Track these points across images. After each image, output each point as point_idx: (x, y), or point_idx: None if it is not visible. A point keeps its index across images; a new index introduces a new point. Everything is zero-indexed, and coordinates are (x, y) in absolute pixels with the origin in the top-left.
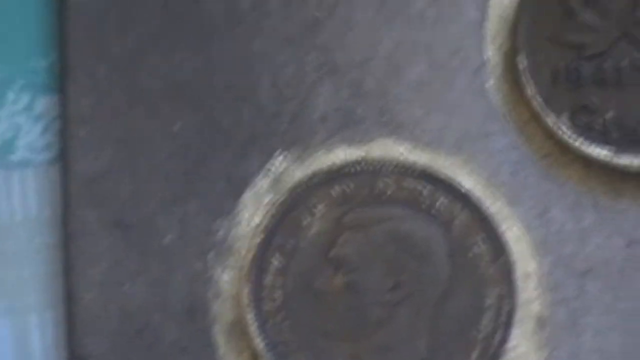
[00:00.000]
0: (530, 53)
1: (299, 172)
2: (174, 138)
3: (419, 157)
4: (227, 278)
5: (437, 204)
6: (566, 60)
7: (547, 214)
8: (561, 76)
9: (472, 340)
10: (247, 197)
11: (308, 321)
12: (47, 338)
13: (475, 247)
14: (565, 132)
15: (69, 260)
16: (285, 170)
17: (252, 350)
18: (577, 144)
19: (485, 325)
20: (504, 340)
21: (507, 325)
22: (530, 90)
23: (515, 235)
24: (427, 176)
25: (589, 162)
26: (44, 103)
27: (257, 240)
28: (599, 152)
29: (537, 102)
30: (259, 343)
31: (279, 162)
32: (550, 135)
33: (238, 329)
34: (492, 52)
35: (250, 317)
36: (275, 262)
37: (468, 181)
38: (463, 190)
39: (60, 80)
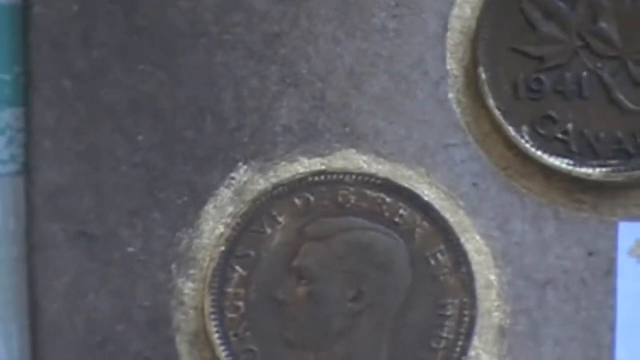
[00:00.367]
0: (490, 65)
1: (262, 184)
2: (137, 151)
3: (380, 168)
4: (190, 288)
5: (399, 214)
6: (527, 72)
7: (508, 225)
8: (522, 88)
9: (433, 350)
10: (210, 208)
11: (270, 331)
12: (12, 349)
13: (437, 257)
14: (525, 143)
15: (33, 272)
16: (248, 181)
17: (215, 359)
18: (537, 155)
19: (446, 335)
20: (464, 350)
21: (468, 335)
22: (490, 102)
23: (476, 246)
24: (389, 187)
25: (549, 173)
26: (8, 116)
27: (220, 250)
28: (560, 163)
29: (498, 114)
30: (222, 353)
31: (241, 174)
32: (511, 147)
33: (201, 338)
34: (453, 65)
35: (213, 327)
36: (238, 272)
37: (429, 192)
38: (424, 201)
39: (25, 94)
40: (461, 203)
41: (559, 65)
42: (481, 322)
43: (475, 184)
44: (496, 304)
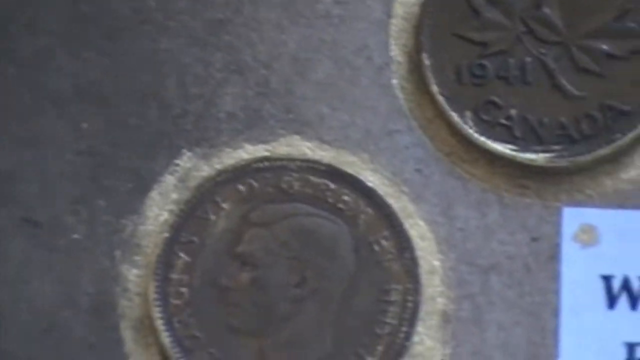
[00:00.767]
0: (433, 51)
1: (205, 170)
2: (81, 137)
3: (324, 154)
4: (135, 275)
5: (342, 200)
6: (470, 57)
7: (452, 211)
8: (465, 74)
9: (377, 335)
10: (154, 194)
11: (214, 317)
12: None
13: (380, 243)
14: (469, 129)
15: None
16: (192, 168)
17: (159, 345)
18: (481, 140)
19: (390, 321)
20: (408, 335)
21: (412, 320)
22: (434, 88)
23: (419, 232)
24: (332, 173)
25: (493, 159)
26: None
27: (164, 237)
28: (503, 148)
29: (441, 100)
30: (166, 339)
31: (185, 161)
32: (454, 132)
33: (145, 324)
34: (396, 51)
35: (157, 313)
36: (182, 258)
37: (373, 178)
38: (368, 187)
39: None
40: (405, 189)
41: (502, 51)
42: (425, 308)
43: (418, 170)
44: (440, 289)
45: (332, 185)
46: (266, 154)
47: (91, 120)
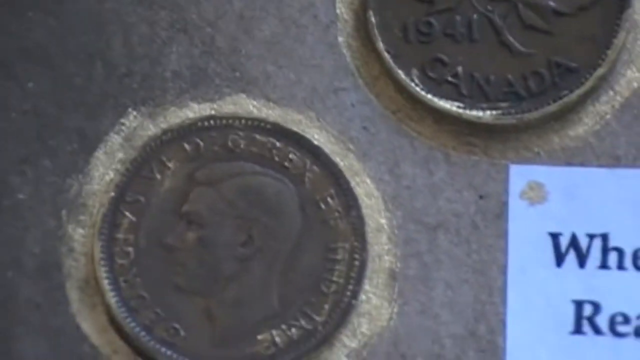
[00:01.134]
0: (380, 9)
1: (151, 129)
2: (27, 97)
3: (270, 112)
4: (80, 235)
5: (288, 158)
6: (416, 15)
7: (398, 169)
8: (411, 31)
9: (323, 294)
10: (100, 154)
11: (160, 276)
12: None
13: (327, 201)
14: (415, 86)
15: None
16: (138, 127)
17: (105, 305)
18: (427, 98)
19: (337, 279)
20: (355, 294)
21: (359, 279)
22: (380, 45)
23: (366, 190)
24: (278, 131)
25: (440, 117)
26: None
27: (109, 196)
28: (450, 105)
29: (388, 58)
30: (112, 298)
31: (131, 120)
32: (401, 90)
33: (91, 284)
34: (342, 9)
35: (102, 272)
36: (127, 218)
37: (319, 136)
38: (314, 145)
39: None
40: (351, 147)
41: (449, 8)
42: (371, 266)
43: (365, 128)
44: (386, 247)
45: (278, 144)
46: (212, 112)
47: (37, 80)
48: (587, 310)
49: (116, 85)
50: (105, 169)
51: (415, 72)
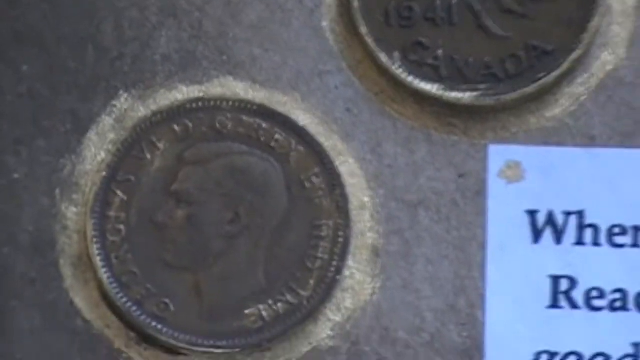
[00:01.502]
0: None
1: (142, 111)
2: (21, 80)
3: (256, 94)
4: (73, 213)
5: (274, 139)
6: (397, 0)
7: (380, 149)
8: (393, 16)
9: (308, 270)
10: (92, 135)
11: (151, 253)
12: None
13: (311, 180)
14: (397, 69)
15: None
16: (128, 109)
17: (97, 281)
18: (409, 80)
19: (321, 255)
20: (339, 269)
21: (342, 255)
22: (363, 29)
23: (349, 169)
24: (265, 112)
25: (421, 98)
26: None
27: (101, 176)
28: (431, 87)
29: (370, 41)
30: (104, 274)
31: (122, 102)
32: (383, 73)
33: (84, 261)
34: None
35: (95, 249)
36: (119, 196)
37: (304, 117)
38: (299, 126)
39: None
40: (335, 127)
41: None
42: (355, 243)
43: (348, 109)
44: (369, 224)
45: (264, 125)
46: (200, 94)
47: (31, 64)
48: (564, 285)
49: (108, 68)
50: (97, 150)
51: (396, 55)
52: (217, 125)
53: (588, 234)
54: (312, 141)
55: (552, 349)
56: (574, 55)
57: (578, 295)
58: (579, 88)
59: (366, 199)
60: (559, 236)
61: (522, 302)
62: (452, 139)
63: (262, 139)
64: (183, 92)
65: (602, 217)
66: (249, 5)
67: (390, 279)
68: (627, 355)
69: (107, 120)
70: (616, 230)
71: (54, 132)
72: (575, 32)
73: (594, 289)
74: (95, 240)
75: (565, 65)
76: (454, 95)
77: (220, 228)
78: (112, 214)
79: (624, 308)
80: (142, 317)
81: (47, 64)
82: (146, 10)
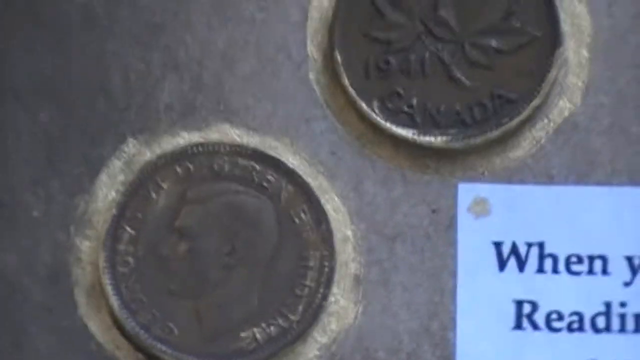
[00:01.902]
0: (344, 49)
1: (147, 155)
2: (38, 126)
3: (250, 139)
4: (87, 246)
5: (267, 179)
6: (376, 54)
7: (361, 187)
8: (372, 68)
9: (298, 296)
10: (103, 177)
11: (156, 282)
12: None
13: (300, 216)
14: (376, 116)
15: None
16: (136, 153)
17: (109, 308)
18: (386, 126)
19: (309, 284)
20: (325, 296)
21: (328, 283)
22: (345, 81)
23: (334, 206)
24: (258, 156)
25: (397, 142)
26: None
27: (112, 213)
28: (406, 132)
29: (352, 91)
30: (114, 302)
31: (130, 147)
32: (363, 119)
33: (96, 290)
34: (312, 49)
35: (106, 279)
36: (128, 232)
37: (293, 160)
38: (289, 168)
39: None
40: (321, 168)
41: (404, 48)
42: (339, 272)
43: (332, 152)
44: (352, 255)
45: (257, 167)
46: (200, 140)
47: (47, 111)
48: (526, 308)
49: (116, 117)
50: (107, 190)
51: (375, 103)
52: (215, 167)
53: (548, 262)
54: (301, 181)
55: None
56: (534, 103)
57: (539, 318)
58: (539, 132)
59: (349, 233)
60: (522, 265)
61: (489, 324)
62: (425, 178)
63: (256, 179)
64: (184, 138)
65: (560, 247)
66: (243, 59)
67: (370, 305)
68: None
69: (116, 163)
70: (573, 259)
71: (68, 174)
72: (535, 82)
73: (553, 312)
74: (106, 271)
75: (526, 112)
76: (426, 139)
77: (218, 259)
78: (121, 247)
79: (580, 329)
80: (149, 340)
81: (62, 112)
82: (150, 64)
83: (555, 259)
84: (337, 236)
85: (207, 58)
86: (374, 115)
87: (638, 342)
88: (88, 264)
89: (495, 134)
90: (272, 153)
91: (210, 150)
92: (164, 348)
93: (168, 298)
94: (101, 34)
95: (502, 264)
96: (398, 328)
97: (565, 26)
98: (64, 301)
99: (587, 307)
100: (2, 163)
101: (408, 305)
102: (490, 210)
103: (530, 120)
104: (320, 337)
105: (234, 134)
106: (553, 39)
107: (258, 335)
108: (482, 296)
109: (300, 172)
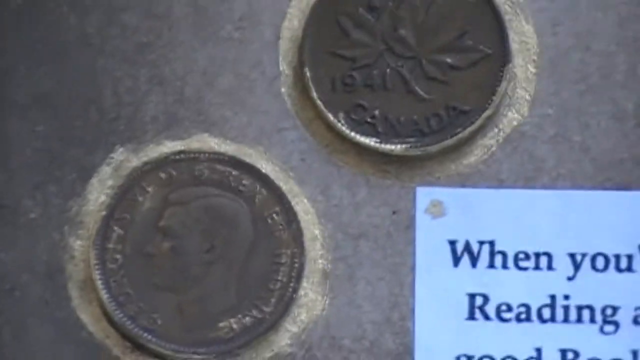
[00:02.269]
0: (313, 66)
1: (134, 162)
2: (37, 137)
3: (228, 148)
4: (79, 245)
5: (242, 184)
6: (342, 70)
7: (328, 191)
8: (338, 83)
9: (271, 290)
10: (94, 181)
11: (142, 278)
12: None
13: (273, 217)
14: (342, 126)
15: None
16: (124, 160)
17: (99, 301)
18: (351, 135)
19: (281, 279)
20: (295, 290)
21: (298, 278)
22: (314, 94)
23: (303, 208)
24: (234, 163)
25: (361, 150)
26: None
27: (102, 214)
28: (369, 141)
29: (320, 104)
30: (104, 295)
31: (118, 154)
32: (330, 129)
33: (88, 285)
34: (284, 66)
35: (97, 275)
36: (116, 231)
37: (266, 166)
38: (262, 173)
39: None
40: (292, 174)
41: (367, 65)
42: (308, 268)
43: (302, 159)
44: (320, 253)
45: (234, 172)
46: (182, 148)
47: (45, 123)
48: (479, 301)
49: (107, 127)
50: (98, 193)
51: (341, 115)
52: (196, 173)
53: (498, 259)
54: (273, 185)
55: (469, 353)
56: (486, 114)
57: (490, 309)
58: (490, 141)
59: (317, 232)
60: (474, 261)
61: (444, 315)
62: (386, 182)
63: (233, 184)
64: (168, 146)
65: (509, 245)
66: (221, 76)
67: (337, 297)
68: (530, 357)
69: (106, 170)
70: (521, 256)
71: (63, 180)
72: (486, 95)
73: (503, 304)
74: (97, 267)
75: (478, 122)
76: (388, 147)
77: (198, 257)
78: (110, 245)
79: (528, 319)
80: (135, 330)
81: (58, 123)
82: (138, 80)
83: (504, 255)
84: (307, 235)
85: (189, 74)
86: (340, 125)
87: (580, 331)
88: (80, 261)
89: (450, 142)
90: (247, 160)
91: (191, 158)
92: (149, 337)
93: (153, 292)
94: (93, 53)
95: (456, 261)
96: (362, 318)
97: (514, 44)
98: (58, 295)
99: (534, 299)
100: (4, 169)
101: (371, 298)
102: (446, 212)
103: (481, 130)
104: (291, 327)
105: (213, 143)
106: (503, 56)
107: (234, 326)
108: (438, 290)
109: (273, 177)
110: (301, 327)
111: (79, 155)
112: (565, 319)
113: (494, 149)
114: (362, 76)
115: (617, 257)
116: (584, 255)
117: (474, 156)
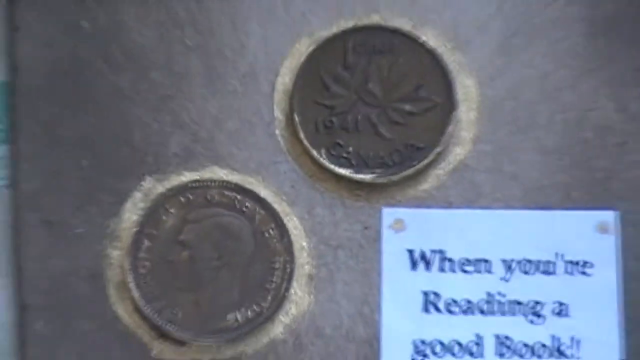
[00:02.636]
0: (301, 112)
1: (160, 189)
2: (81, 169)
3: (233, 177)
4: (116, 254)
5: (245, 206)
6: (323, 116)
7: (313, 211)
8: (320, 126)
9: (267, 290)
10: (128, 204)
11: (166, 280)
12: (3, 295)
13: (269, 232)
14: (323, 160)
15: (17, 244)
16: (152, 187)
17: (132, 299)
18: (331, 167)
19: (276, 280)
20: (287, 289)
21: (289, 280)
22: (301, 135)
23: (294, 224)
24: (239, 189)
25: (339, 178)
26: (2, 150)
27: (134, 231)
28: (345, 171)
29: (306, 142)
30: (136, 294)
31: (147, 183)
32: (314, 163)
33: (123, 286)
34: (278, 112)
35: (130, 278)
36: (145, 244)
37: (264, 192)
38: (261, 197)
39: (12, 136)
40: (284, 198)
41: (344, 112)
42: (297, 272)
43: (293, 186)
44: (307, 260)
45: (239, 197)
46: (197, 178)
47: (88, 158)
48: (431, 297)
49: (138, 161)
50: (131, 214)
51: (323, 151)
52: (208, 197)
53: (447, 264)
54: (270, 207)
55: (424, 339)
56: (437, 150)
57: (441, 304)
58: (440, 171)
59: (304, 243)
60: (428, 266)
61: (404, 308)
62: (359, 204)
63: (238, 206)
64: (186, 176)
65: (455, 253)
66: (229, 120)
67: (320, 295)
68: (471, 342)
69: (137, 195)
70: (465, 262)
71: (103, 202)
72: (437, 135)
73: (451, 300)
74: (130, 272)
75: (431, 157)
76: (360, 176)
77: (209, 264)
78: (141, 255)
79: (470, 312)
80: (161, 321)
81: (98, 158)
82: (162, 124)
83: (452, 262)
84: (296, 246)
85: (203, 119)
86: (322, 159)
87: (512, 321)
88: (117, 267)
89: (409, 172)
90: (249, 187)
91: (204, 185)
92: (172, 327)
93: (174, 291)
94: (126, 102)
95: (414, 266)
96: (340, 312)
97: (459, 95)
98: (99, 294)
99: (475, 296)
100: (57, 195)
101: (347, 296)
102: (406, 227)
103: (433, 163)
104: (284, 319)
105: (222, 174)
106: (450, 104)
107: (239, 318)
108: (399, 288)
109: (269, 201)
110: (292, 319)
111: (115, 183)
112: (501, 312)
113: (443, 177)
114: (339, 121)
115: (539, 262)
116: (514, 261)
117: (428, 183)
